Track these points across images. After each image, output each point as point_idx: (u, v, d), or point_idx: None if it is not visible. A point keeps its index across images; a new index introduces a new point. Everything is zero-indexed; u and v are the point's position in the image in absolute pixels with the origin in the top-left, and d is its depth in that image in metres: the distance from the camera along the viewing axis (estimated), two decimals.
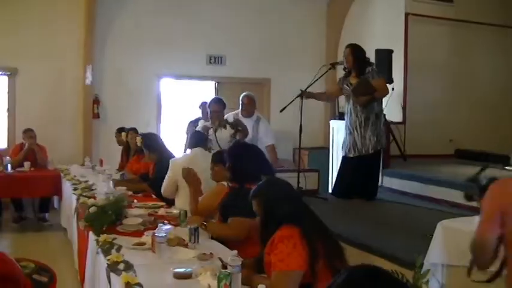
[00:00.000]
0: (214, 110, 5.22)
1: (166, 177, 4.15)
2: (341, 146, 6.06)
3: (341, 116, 7.13)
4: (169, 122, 8.31)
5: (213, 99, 5.44)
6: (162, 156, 4.74)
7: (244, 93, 5.81)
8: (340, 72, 6.22)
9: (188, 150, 6.76)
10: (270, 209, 2.33)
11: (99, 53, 7.88)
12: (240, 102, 5.68)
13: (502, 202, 1.85)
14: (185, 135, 6.81)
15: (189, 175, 3.55)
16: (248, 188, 2.78)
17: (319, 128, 8.75)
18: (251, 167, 3.02)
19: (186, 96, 8.48)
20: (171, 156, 4.72)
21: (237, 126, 4.95)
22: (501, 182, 1.94)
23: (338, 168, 5.88)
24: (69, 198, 5.10)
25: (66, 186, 5.58)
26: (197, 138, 4.36)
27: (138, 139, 5.57)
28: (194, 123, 6.86)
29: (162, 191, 4.22)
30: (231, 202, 3.01)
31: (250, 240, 2.82)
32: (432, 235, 3.09)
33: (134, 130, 6.33)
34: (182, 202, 3.99)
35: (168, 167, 4.20)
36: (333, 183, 5.97)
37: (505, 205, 1.84)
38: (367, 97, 5.36)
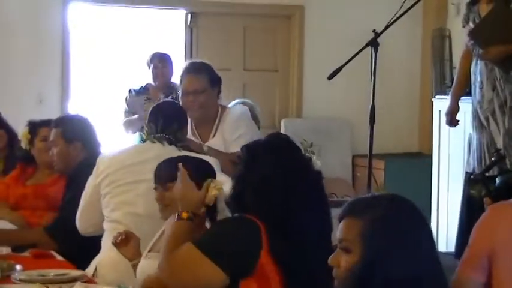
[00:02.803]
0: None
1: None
2: (460, 151, 5.81)
3: None
4: (88, 95, 7.65)
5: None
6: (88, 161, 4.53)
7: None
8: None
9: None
10: (377, 258, 1.92)
11: None
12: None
13: (490, 243, 2.37)
14: (122, 115, 7.00)
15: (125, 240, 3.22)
16: (249, 219, 2.62)
17: (409, 113, 7.67)
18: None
19: (125, 43, 7.74)
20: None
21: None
22: (494, 211, 2.53)
23: (461, 200, 5.40)
24: None
25: None
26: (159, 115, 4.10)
27: (25, 131, 5.04)
28: (138, 93, 7.03)
29: (76, 219, 4.06)
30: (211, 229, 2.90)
31: None
32: None
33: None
34: (110, 256, 3.46)
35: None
36: (456, 235, 5.59)
37: (493, 247, 2.37)
38: (505, 47, 5.01)
